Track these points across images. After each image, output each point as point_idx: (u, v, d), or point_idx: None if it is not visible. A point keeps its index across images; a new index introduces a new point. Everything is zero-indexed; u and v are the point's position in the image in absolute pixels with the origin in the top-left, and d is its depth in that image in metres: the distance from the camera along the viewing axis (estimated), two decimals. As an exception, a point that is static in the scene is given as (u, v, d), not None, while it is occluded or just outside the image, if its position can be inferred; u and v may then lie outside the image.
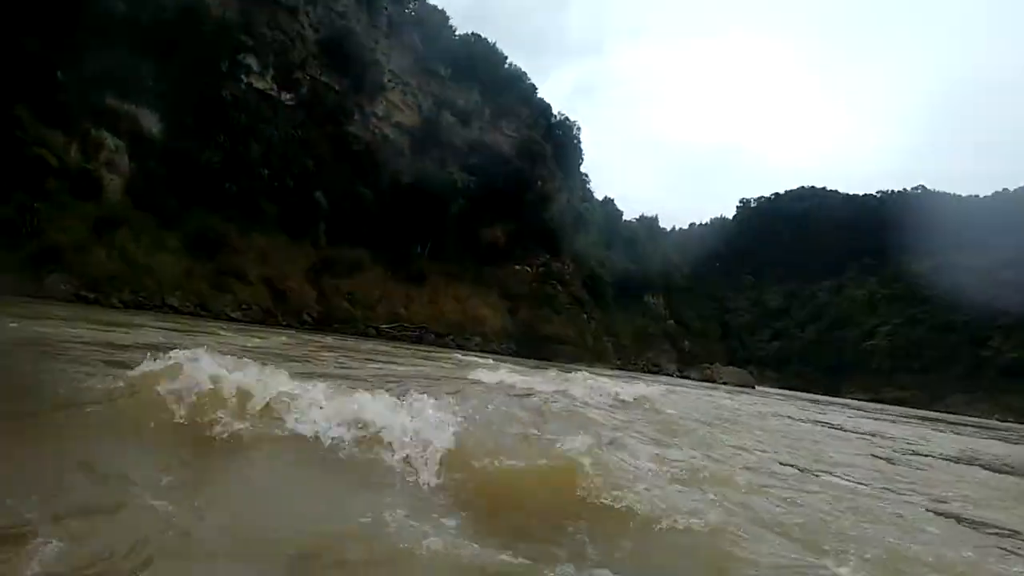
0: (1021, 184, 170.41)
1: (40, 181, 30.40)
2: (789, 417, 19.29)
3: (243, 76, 45.78)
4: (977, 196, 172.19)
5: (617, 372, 47.81)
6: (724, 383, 57.46)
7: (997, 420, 66.54)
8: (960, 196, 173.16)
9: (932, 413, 66.65)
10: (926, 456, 13.82)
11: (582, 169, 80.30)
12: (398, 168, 55.12)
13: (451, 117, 60.45)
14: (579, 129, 77.54)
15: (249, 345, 16.26)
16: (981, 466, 13.26)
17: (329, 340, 26.77)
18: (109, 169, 36.27)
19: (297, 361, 13.87)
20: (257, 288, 39.28)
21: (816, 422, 18.45)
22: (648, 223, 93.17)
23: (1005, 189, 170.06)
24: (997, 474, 12.10)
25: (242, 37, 46.30)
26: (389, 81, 56.55)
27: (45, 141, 31.97)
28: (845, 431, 17.91)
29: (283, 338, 22.73)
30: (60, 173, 33.08)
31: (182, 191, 39.31)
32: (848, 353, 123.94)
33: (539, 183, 63.28)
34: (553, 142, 70.07)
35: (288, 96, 49.05)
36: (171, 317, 29.12)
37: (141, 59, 38.03)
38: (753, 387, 60.96)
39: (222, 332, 20.65)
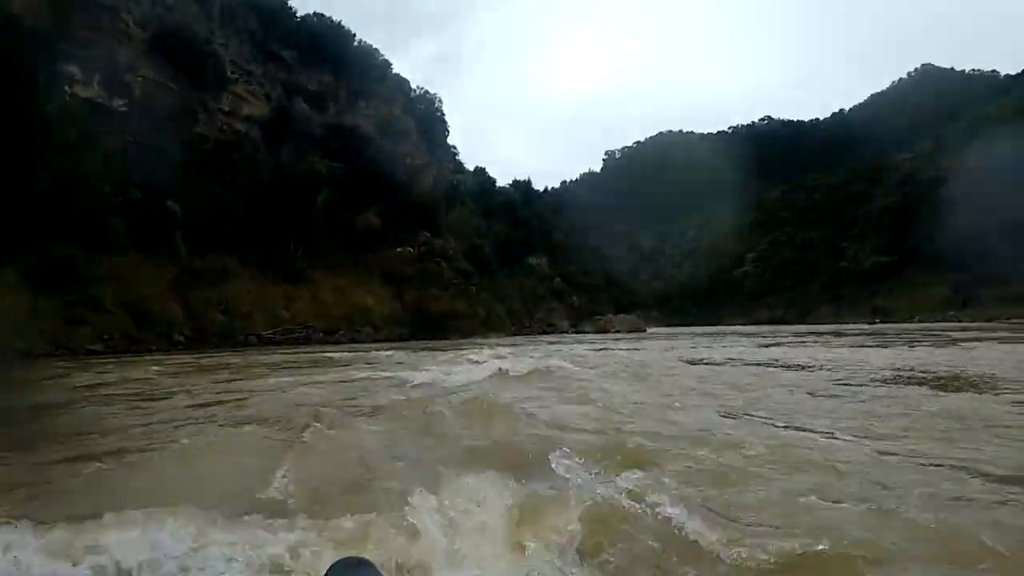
0: (855, 103, 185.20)
1: None
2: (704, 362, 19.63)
3: (66, 87, 41.71)
4: (817, 119, 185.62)
5: (514, 340, 48.32)
6: (617, 331, 59.39)
7: (867, 324, 72.47)
8: (802, 121, 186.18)
9: (806, 327, 71.82)
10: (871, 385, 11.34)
11: (449, 141, 79.57)
12: (255, 164, 52.42)
13: (304, 104, 57.88)
14: (441, 101, 76.59)
15: (97, 383, 14.94)
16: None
17: (204, 361, 25.27)
18: (-82, 209, 32.25)
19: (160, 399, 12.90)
20: (116, 315, 36.47)
21: (725, 363, 18.95)
22: (523, 187, 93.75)
23: (842, 110, 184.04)
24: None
25: (59, 45, 41.98)
26: (232, 73, 53.26)
27: None
28: (751, 364, 17.93)
29: (153, 368, 21.24)
30: None
31: (13, 222, 35.61)
32: (722, 283, 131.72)
33: (407, 160, 62.06)
34: (415, 117, 68.74)
35: (121, 102, 45.23)
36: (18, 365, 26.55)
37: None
38: (644, 330, 63.41)
39: (72, 373, 18.97)
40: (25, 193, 36.55)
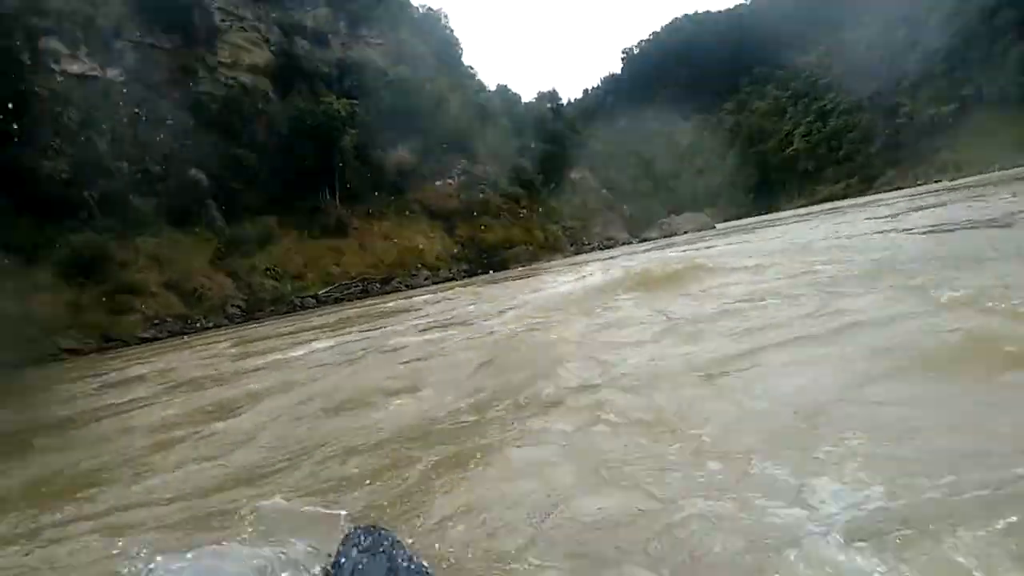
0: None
1: None
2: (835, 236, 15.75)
3: (53, 64, 37.88)
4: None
5: (585, 257, 44.48)
6: (686, 232, 54.99)
7: (948, 180, 66.31)
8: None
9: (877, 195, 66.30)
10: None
11: (464, 61, 73.93)
12: (269, 116, 48.36)
13: (306, 42, 53.14)
14: (447, 17, 70.74)
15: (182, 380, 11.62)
16: None
17: (267, 329, 21.98)
18: (-73, 218, 29.28)
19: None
20: (162, 296, 33.52)
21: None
22: (550, 98, 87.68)
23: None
24: None
25: (34, 20, 37.92)
26: (223, 21, 48.69)
27: None
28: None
29: (223, 344, 18.02)
30: None
31: (34, 216, 32.58)
32: (772, 166, 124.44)
33: (427, 86, 57.19)
34: (425, 40, 63.36)
35: (115, 71, 41.32)
36: (68, 364, 23.69)
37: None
38: (713, 227, 58.85)
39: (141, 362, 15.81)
40: (40, 185, 33.44)
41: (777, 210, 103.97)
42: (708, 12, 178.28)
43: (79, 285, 30.65)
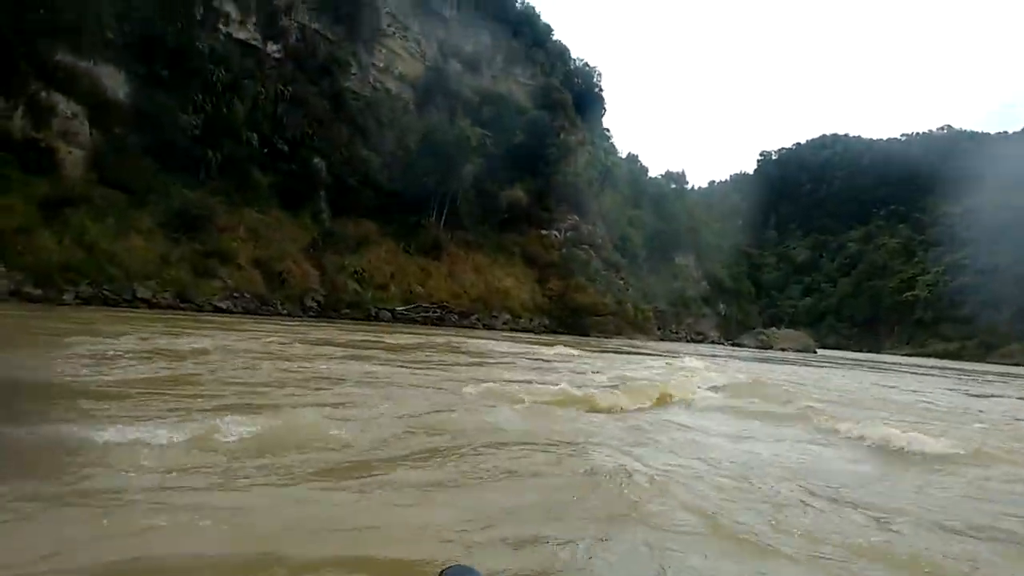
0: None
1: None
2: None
3: (221, 25, 39.42)
4: (1006, 133, 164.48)
5: (672, 347, 42.18)
6: (783, 349, 51.73)
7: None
8: (989, 134, 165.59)
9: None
10: None
11: (604, 122, 73.53)
12: (404, 126, 48.90)
13: (459, 65, 53.87)
14: (600, 76, 70.55)
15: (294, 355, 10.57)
16: None
17: (359, 336, 21.05)
18: (66, 140, 30.39)
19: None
20: (248, 272, 33.53)
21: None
22: (675, 179, 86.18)
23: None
24: None
25: (218, -20, 39.80)
26: (388, 26, 49.90)
27: (-25, 106, 26.01)
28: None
29: (335, 330, 17.16)
30: (3, 145, 27.35)
31: (156, 162, 33.48)
32: (886, 305, 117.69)
33: (560, 135, 56.80)
34: (572, 90, 63.22)
35: (275, 47, 42.69)
36: (139, 313, 23.53)
37: (97, 5, 32.02)
38: (815, 351, 55.23)
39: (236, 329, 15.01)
40: (171, 134, 34.41)
41: (879, 350, 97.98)
42: (859, 137, 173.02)
43: (174, 239, 30.98)
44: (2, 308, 19.95)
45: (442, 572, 1.03)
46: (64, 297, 23.54)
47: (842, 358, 47.87)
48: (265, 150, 39.86)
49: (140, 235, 29.80)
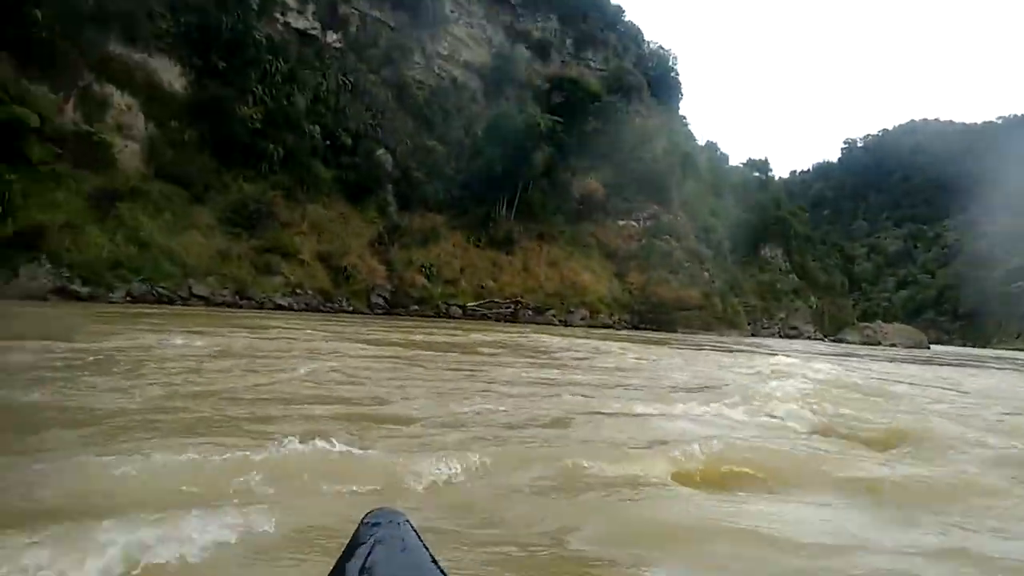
0: None
1: (16, 147, 23.18)
2: None
3: (279, 14, 37.91)
4: None
5: (760, 341, 38.12)
6: (892, 345, 46.59)
7: None
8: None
9: None
10: None
11: (680, 108, 69.28)
12: (470, 115, 46.49)
13: (526, 51, 51.09)
14: (675, 59, 66.30)
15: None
16: None
17: (444, 336, 18.40)
18: (121, 133, 29.08)
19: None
20: (312, 267, 31.58)
21: None
22: (758, 166, 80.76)
23: None
24: None
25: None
26: (452, 12, 47.60)
27: (25, 98, 24.72)
28: None
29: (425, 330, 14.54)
30: (54, 138, 26.03)
31: (215, 156, 31.99)
32: (992, 297, 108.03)
33: (636, 120, 53.24)
34: (646, 75, 59.48)
35: (335, 37, 41.01)
36: (196, 311, 21.58)
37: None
38: (927, 347, 49.72)
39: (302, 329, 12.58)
40: (231, 127, 32.87)
41: (985, 345, 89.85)
42: (951, 121, 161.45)
43: (235, 235, 29.31)
44: (38, 306, 18.21)
45: (368, 515, 0.95)
46: (112, 295, 21.79)
47: (968, 356, 42.07)
48: (328, 143, 38.00)
49: (198, 231, 28.20)
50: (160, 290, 23.90)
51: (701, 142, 72.56)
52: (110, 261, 22.95)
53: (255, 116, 34.40)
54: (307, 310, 28.63)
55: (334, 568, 0.77)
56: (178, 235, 26.86)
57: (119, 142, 28.45)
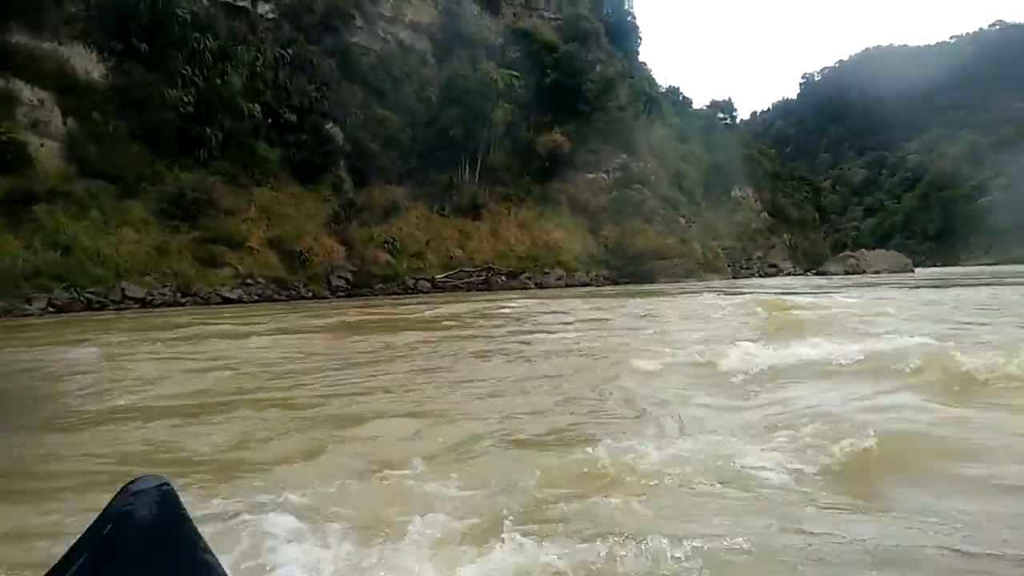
0: None
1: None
2: None
3: (201, -12, 35.16)
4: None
5: (744, 283, 36.75)
6: (876, 272, 45.57)
7: None
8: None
9: None
10: None
11: (640, 53, 66.90)
12: (422, 79, 44.13)
13: (475, 6, 48.48)
14: (631, 3, 63.82)
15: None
16: None
17: (394, 309, 16.61)
18: (36, 131, 26.68)
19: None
20: (262, 254, 29.58)
21: None
22: (723, 108, 78.86)
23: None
24: None
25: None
26: (392, -31, 44.86)
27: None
28: None
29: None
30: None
31: (146, 146, 29.64)
32: (958, 215, 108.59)
33: (596, 68, 51.04)
34: (603, 21, 57.01)
35: (267, 7, 38.35)
36: (126, 316, 19.62)
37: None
38: (912, 271, 48.82)
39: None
40: (160, 113, 30.48)
41: (955, 263, 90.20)
42: (905, 46, 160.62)
43: (173, 228, 27.19)
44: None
45: (129, 483, 0.83)
46: (29, 307, 19.75)
47: (944, 276, 40.70)
48: (270, 121, 35.61)
49: (131, 227, 26.06)
50: (88, 296, 21.87)
51: (663, 87, 70.43)
52: (27, 270, 20.84)
53: (186, 99, 31.94)
54: (260, 300, 26.75)
55: (82, 537, 0.74)
56: (107, 234, 24.77)
57: (34, 140, 26.09)
